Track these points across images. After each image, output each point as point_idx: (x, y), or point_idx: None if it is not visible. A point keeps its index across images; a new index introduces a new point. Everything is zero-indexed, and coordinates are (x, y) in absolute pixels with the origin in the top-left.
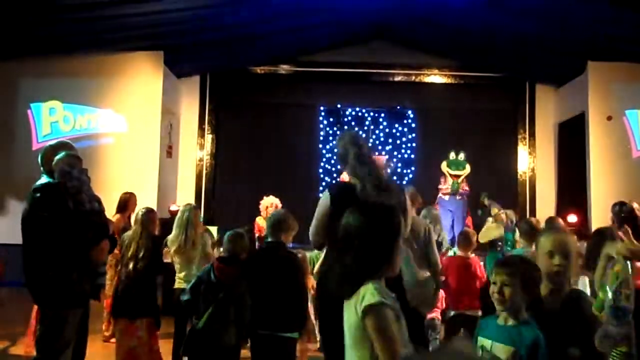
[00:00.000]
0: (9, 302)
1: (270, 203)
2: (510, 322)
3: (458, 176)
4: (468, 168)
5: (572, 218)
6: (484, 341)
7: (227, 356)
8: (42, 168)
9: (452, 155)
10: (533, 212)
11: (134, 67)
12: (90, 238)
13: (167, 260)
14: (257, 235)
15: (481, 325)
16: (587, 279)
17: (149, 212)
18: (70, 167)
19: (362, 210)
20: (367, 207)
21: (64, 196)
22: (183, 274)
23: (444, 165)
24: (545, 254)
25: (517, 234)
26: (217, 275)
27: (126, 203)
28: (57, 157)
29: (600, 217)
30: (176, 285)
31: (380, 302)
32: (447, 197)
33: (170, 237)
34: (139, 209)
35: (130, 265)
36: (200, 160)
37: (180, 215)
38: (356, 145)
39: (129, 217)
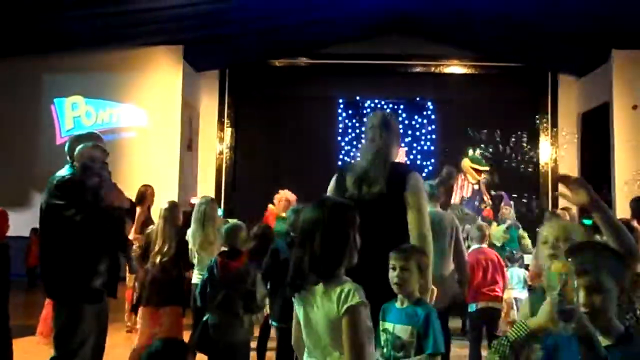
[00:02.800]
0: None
1: (284, 197)
2: (406, 303)
3: (482, 172)
4: (488, 165)
5: None
6: (387, 325)
7: (237, 350)
8: (68, 158)
9: (470, 151)
10: (556, 204)
11: (154, 62)
12: (108, 234)
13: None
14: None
15: (384, 310)
16: None
17: (173, 206)
18: (92, 161)
19: (315, 206)
20: (321, 202)
21: (82, 190)
22: (201, 267)
23: (467, 162)
24: (545, 244)
25: (521, 229)
26: (220, 270)
27: (144, 195)
28: (80, 147)
29: (625, 208)
30: (194, 280)
31: (362, 302)
32: (468, 196)
33: (188, 231)
34: (163, 203)
35: (157, 259)
36: (220, 153)
37: (197, 209)
38: (379, 128)
39: (149, 209)
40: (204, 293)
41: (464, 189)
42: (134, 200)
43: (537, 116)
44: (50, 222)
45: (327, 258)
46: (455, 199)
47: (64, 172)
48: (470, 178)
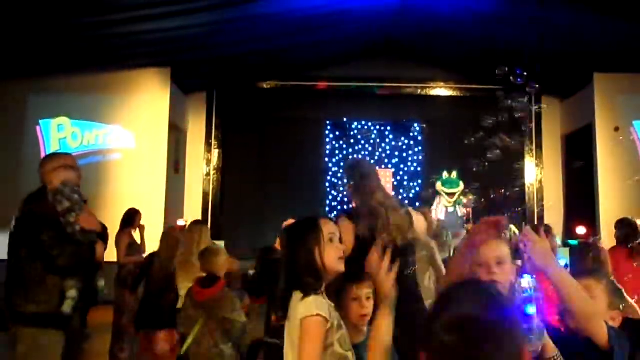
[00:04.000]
0: None
1: None
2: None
3: (453, 194)
4: (462, 185)
5: (581, 230)
6: None
7: None
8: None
9: (444, 174)
10: (541, 225)
11: (141, 84)
12: (77, 259)
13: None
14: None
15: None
16: None
17: (172, 230)
18: (64, 185)
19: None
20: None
21: (52, 215)
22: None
23: (438, 185)
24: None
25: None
26: (194, 298)
27: (130, 219)
28: (51, 169)
29: (609, 228)
30: (180, 305)
31: (315, 313)
32: (443, 217)
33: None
34: (165, 228)
35: (155, 282)
36: (207, 175)
37: (188, 234)
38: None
39: (140, 232)
40: (182, 321)
41: (437, 211)
42: (119, 222)
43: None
44: (18, 247)
45: (307, 269)
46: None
47: (35, 195)
48: (443, 201)
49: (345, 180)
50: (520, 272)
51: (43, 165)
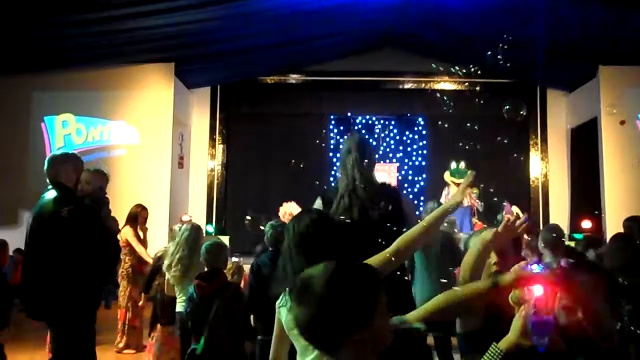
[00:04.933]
0: None
1: (288, 212)
2: None
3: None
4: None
5: (587, 224)
6: None
7: None
8: (48, 179)
9: (453, 164)
10: (547, 219)
11: (145, 79)
12: (109, 261)
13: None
14: None
15: None
16: None
17: (197, 229)
18: (101, 190)
19: (304, 217)
20: (308, 212)
21: (92, 219)
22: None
23: (447, 175)
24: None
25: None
26: (198, 294)
27: (137, 216)
28: (85, 172)
29: (614, 222)
30: (178, 308)
31: None
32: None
33: (166, 260)
34: (184, 225)
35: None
36: (212, 170)
37: (180, 235)
38: (357, 150)
39: (144, 230)
40: (187, 321)
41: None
42: (125, 219)
43: (527, 131)
44: (51, 246)
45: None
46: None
47: (53, 194)
48: (452, 191)
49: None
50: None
51: (60, 163)
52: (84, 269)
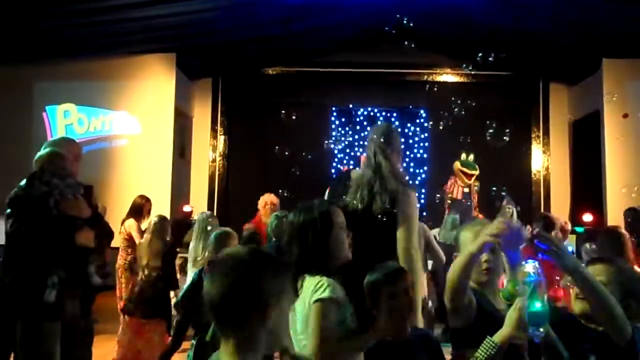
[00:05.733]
0: None
1: (269, 201)
2: None
3: (471, 176)
4: (478, 169)
5: (588, 217)
6: None
7: None
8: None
9: (463, 155)
10: (548, 212)
11: (146, 70)
12: (56, 246)
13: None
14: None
15: None
16: None
17: (161, 220)
18: (42, 170)
19: (307, 209)
20: (299, 206)
21: (26, 202)
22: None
23: (457, 165)
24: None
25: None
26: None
27: (141, 208)
28: (37, 156)
29: (615, 216)
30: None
31: (331, 298)
32: (459, 198)
33: (190, 248)
34: (153, 217)
35: (145, 272)
36: (213, 161)
37: (197, 225)
38: (382, 142)
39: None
40: (187, 303)
41: (454, 192)
42: (127, 210)
43: (529, 124)
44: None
45: (318, 254)
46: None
47: (22, 183)
48: (460, 181)
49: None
50: (525, 258)
51: (46, 148)
52: (24, 257)
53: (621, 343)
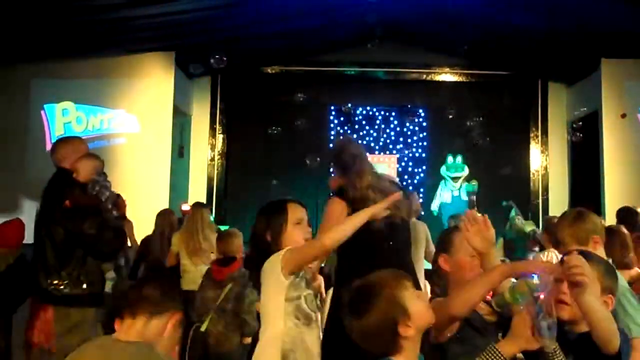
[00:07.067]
0: None
1: None
2: None
3: (457, 178)
4: (466, 170)
5: None
6: None
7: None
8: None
9: (449, 159)
10: (546, 212)
11: (145, 68)
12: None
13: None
14: None
15: None
16: None
17: (167, 213)
18: (99, 175)
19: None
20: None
21: (94, 206)
22: (190, 276)
23: (443, 170)
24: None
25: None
26: (214, 277)
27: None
28: (73, 154)
29: (614, 215)
30: (184, 287)
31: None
32: (449, 201)
33: (175, 237)
34: (157, 211)
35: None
36: (212, 160)
37: (191, 216)
38: (360, 155)
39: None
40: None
41: (443, 196)
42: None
43: (527, 123)
44: (55, 230)
45: (273, 248)
46: (434, 205)
47: (63, 183)
48: (450, 185)
49: (332, 165)
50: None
51: (62, 148)
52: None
53: (611, 352)
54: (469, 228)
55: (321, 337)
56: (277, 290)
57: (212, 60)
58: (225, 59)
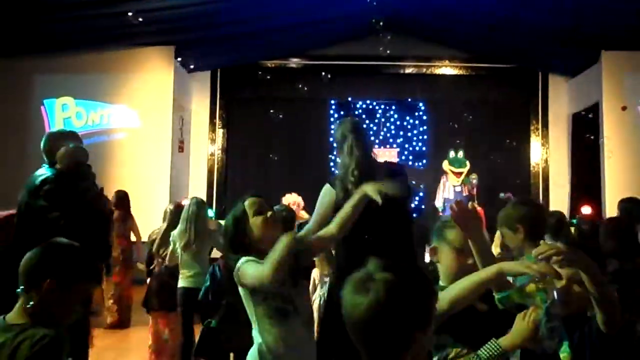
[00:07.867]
0: None
1: (295, 202)
2: None
3: (460, 173)
4: (468, 165)
5: (586, 210)
6: None
7: (241, 356)
8: (45, 157)
9: (451, 153)
10: (547, 205)
11: (145, 63)
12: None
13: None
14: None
15: None
16: None
17: (177, 208)
18: (80, 163)
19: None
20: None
21: (69, 193)
22: (189, 271)
23: (445, 164)
24: (454, 250)
25: None
26: (222, 273)
27: (125, 199)
28: (64, 147)
29: (615, 208)
30: (181, 284)
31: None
32: (451, 197)
33: (175, 232)
34: (167, 206)
35: (164, 263)
36: (212, 154)
37: (186, 210)
38: (354, 132)
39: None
40: (207, 300)
41: (445, 191)
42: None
43: (528, 116)
44: (31, 223)
45: (244, 239)
46: (437, 201)
47: (45, 171)
48: (450, 180)
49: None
50: None
51: (53, 141)
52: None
53: (613, 332)
54: (457, 215)
55: (315, 318)
56: (247, 298)
57: None
58: None
